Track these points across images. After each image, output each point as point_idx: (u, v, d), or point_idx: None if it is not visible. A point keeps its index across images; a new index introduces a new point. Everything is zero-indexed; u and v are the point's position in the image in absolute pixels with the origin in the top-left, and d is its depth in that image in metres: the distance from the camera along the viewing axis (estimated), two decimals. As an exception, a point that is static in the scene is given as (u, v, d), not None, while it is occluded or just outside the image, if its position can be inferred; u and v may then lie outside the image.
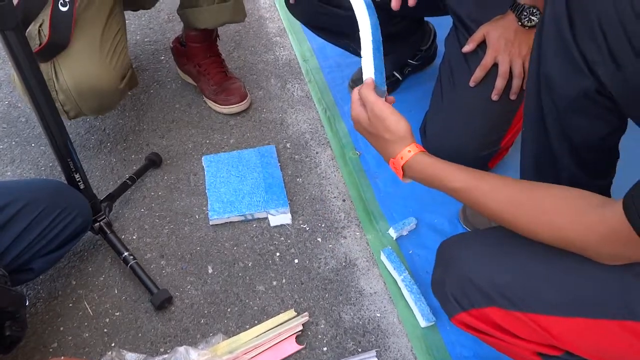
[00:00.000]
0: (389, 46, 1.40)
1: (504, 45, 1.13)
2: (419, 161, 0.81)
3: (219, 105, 1.56)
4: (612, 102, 0.82)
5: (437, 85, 1.28)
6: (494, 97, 1.16)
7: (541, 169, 0.99)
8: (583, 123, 0.87)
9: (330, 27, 1.30)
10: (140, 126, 1.56)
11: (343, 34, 1.32)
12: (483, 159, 1.25)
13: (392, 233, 1.23)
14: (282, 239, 1.26)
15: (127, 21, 1.92)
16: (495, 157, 1.25)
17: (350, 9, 1.20)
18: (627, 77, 0.77)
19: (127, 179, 1.35)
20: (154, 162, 1.43)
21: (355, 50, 1.46)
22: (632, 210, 0.59)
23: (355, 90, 0.90)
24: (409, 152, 0.81)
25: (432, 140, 1.26)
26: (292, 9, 1.27)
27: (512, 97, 1.16)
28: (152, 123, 1.57)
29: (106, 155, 1.49)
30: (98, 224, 1.20)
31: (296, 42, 1.80)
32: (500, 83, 1.15)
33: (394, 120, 0.82)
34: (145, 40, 1.88)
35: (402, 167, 0.82)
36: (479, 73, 1.18)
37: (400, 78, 1.57)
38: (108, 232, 1.20)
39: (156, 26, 1.93)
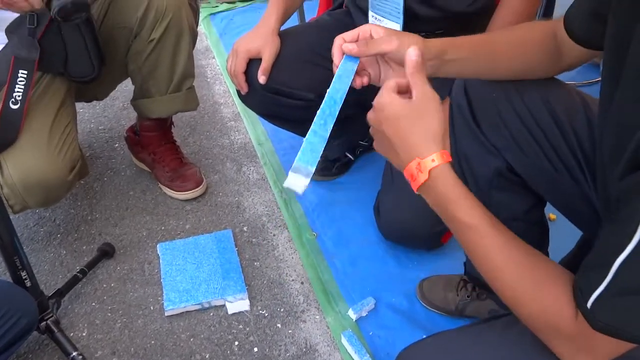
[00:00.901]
0: (340, 130, 1.48)
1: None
2: (444, 174, 0.65)
3: (174, 192, 1.55)
4: (521, 178, 0.89)
5: (387, 164, 1.32)
6: None
7: None
8: (504, 199, 0.92)
9: (281, 115, 1.34)
10: (92, 215, 1.53)
11: (294, 121, 1.36)
12: (435, 236, 1.28)
13: (352, 314, 1.22)
14: (241, 326, 1.22)
15: (81, 110, 1.95)
16: (447, 233, 1.29)
17: (300, 98, 1.27)
18: (531, 160, 0.84)
19: (77, 272, 1.30)
20: (106, 252, 1.39)
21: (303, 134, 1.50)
22: (581, 301, 0.56)
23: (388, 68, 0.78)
24: (433, 161, 0.65)
25: (385, 218, 1.29)
26: (245, 99, 1.30)
27: None
28: (105, 211, 1.54)
29: (56, 247, 1.44)
30: (44, 322, 1.14)
31: (251, 126, 1.83)
32: None
33: (438, 115, 0.66)
34: (100, 128, 1.88)
35: (429, 171, 0.65)
36: None
37: (353, 158, 1.61)
38: (55, 330, 1.14)
39: (111, 114, 1.94)
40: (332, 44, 1.28)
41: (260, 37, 1.21)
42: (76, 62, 1.21)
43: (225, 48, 2.31)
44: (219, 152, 1.75)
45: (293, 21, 1.32)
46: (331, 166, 1.59)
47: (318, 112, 0.71)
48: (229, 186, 1.61)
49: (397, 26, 1.14)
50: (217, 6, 2.65)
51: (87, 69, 1.23)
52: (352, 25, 1.33)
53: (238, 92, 1.30)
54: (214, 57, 2.30)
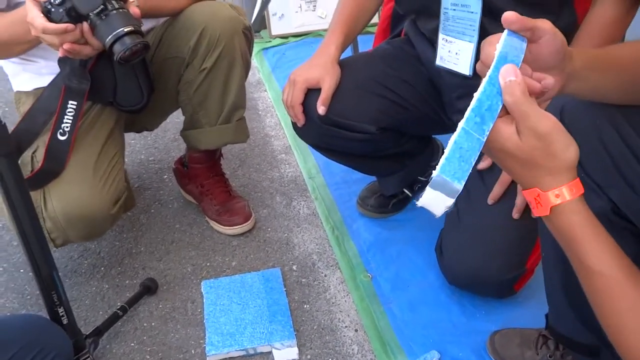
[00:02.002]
0: (397, 164, 1.39)
1: None
2: (571, 211, 0.57)
3: (222, 226, 1.49)
4: (631, 223, 0.76)
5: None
6: (515, 215, 1.10)
7: (570, 295, 0.89)
8: None
9: (338, 149, 1.27)
10: (137, 248, 1.47)
11: (351, 155, 1.29)
12: (507, 282, 1.15)
13: (413, 369, 1.08)
14: (288, 377, 1.11)
15: (132, 140, 1.94)
16: (521, 280, 1.15)
17: (360, 130, 1.19)
18: None
19: (118, 309, 1.23)
20: (149, 288, 1.31)
21: (362, 168, 1.41)
22: None
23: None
24: (563, 194, 0.56)
25: (449, 260, 1.17)
26: (301, 132, 1.24)
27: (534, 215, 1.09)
28: (150, 245, 1.48)
29: (98, 281, 1.37)
30: (80, 364, 1.06)
31: (302, 158, 1.77)
32: (520, 200, 1.09)
33: (562, 144, 0.56)
34: (150, 159, 1.85)
35: (550, 208, 0.58)
36: (497, 190, 1.12)
37: (410, 195, 1.50)
38: (91, 373, 1.05)
39: (161, 145, 1.92)
40: (393, 73, 1.25)
41: (319, 67, 1.15)
42: (125, 91, 1.17)
43: (278, 81, 2.28)
44: (268, 185, 1.68)
45: (347, 54, 1.25)
46: (387, 203, 1.49)
47: (472, 104, 0.55)
48: (278, 221, 1.53)
49: (471, 46, 1.04)
50: (270, 41, 2.65)
51: (136, 98, 1.18)
52: (413, 54, 1.30)
53: (294, 124, 1.24)
54: (265, 90, 2.27)
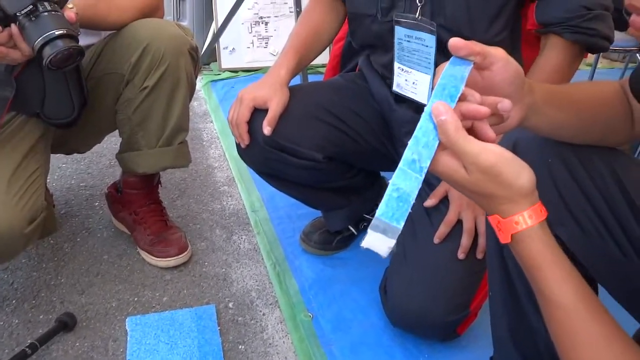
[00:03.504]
0: (344, 199, 1.35)
1: (467, 202, 1.08)
2: (532, 240, 0.55)
3: (154, 258, 1.38)
4: (578, 264, 0.74)
5: (398, 239, 1.18)
6: (460, 255, 1.08)
7: (517, 338, 0.86)
8: None
9: (283, 176, 1.21)
10: (57, 280, 1.32)
11: (297, 184, 1.24)
12: (451, 324, 1.11)
13: (353, 418, 0.99)
14: None
15: (63, 164, 1.81)
16: (464, 322, 1.11)
17: (306, 157, 1.15)
18: (593, 241, 0.71)
19: (27, 346, 1.08)
20: (65, 324, 1.17)
21: (307, 200, 1.35)
22: None
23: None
24: (523, 221, 0.55)
25: (394, 300, 1.13)
26: (244, 154, 1.19)
27: (479, 255, 1.10)
28: (72, 276, 1.34)
29: (7, 315, 1.22)
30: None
31: (245, 191, 1.71)
32: (466, 241, 1.08)
33: (512, 173, 0.54)
34: (81, 185, 1.72)
35: (511, 235, 0.56)
36: (443, 229, 1.10)
37: (356, 232, 1.45)
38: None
39: (95, 171, 1.79)
40: (344, 104, 1.21)
41: (268, 86, 1.12)
42: (54, 103, 1.07)
43: (225, 113, 2.25)
44: (208, 217, 1.60)
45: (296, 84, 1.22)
46: (332, 239, 1.43)
47: (411, 141, 0.54)
48: (217, 255, 1.44)
49: (427, 78, 1.03)
50: (219, 74, 2.63)
51: (66, 111, 1.08)
52: (366, 89, 1.28)
53: (237, 145, 1.19)
54: (211, 121, 2.23)
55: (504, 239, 0.55)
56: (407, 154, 0.54)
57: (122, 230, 1.49)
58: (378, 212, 0.53)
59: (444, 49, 1.05)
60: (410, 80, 1.07)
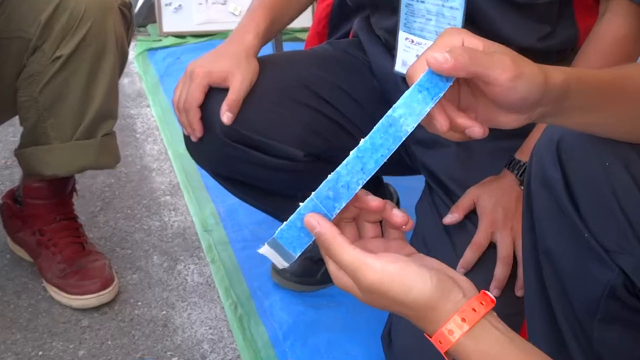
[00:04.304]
0: None
1: (503, 218, 1.10)
2: (466, 352, 0.62)
3: (67, 295, 1.41)
4: None
5: None
6: (494, 292, 1.10)
7: None
8: (616, 338, 0.82)
9: (250, 180, 1.24)
10: None
11: (269, 191, 1.27)
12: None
13: None
14: None
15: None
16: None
17: (282, 155, 1.17)
18: None
19: None
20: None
21: (282, 215, 1.38)
22: None
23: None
24: (450, 333, 0.61)
25: (403, 352, 1.15)
26: (195, 150, 1.21)
27: (519, 293, 1.12)
28: (-51, 321, 1.36)
29: None
30: None
31: (195, 203, 1.74)
32: (501, 272, 1.11)
33: (398, 291, 0.62)
34: (-37, 193, 1.73)
35: (444, 353, 0.63)
36: (470, 255, 1.13)
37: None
38: None
39: (-17, 174, 1.82)
40: (333, 82, 1.24)
41: (229, 58, 1.14)
42: None
43: (167, 94, 2.29)
44: (142, 239, 1.63)
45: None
46: (315, 270, 1.47)
47: (331, 175, 0.65)
48: (155, 292, 1.48)
49: None
50: (159, 40, 2.68)
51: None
52: (364, 61, 1.30)
53: (186, 139, 1.21)
54: (148, 106, 2.27)
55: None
56: (323, 188, 0.64)
57: (22, 257, 1.51)
58: (278, 231, 0.65)
59: (474, 15, 1.08)
60: None
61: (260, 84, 1.16)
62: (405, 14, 1.11)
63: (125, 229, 1.65)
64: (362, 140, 0.64)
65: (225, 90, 1.12)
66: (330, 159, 1.24)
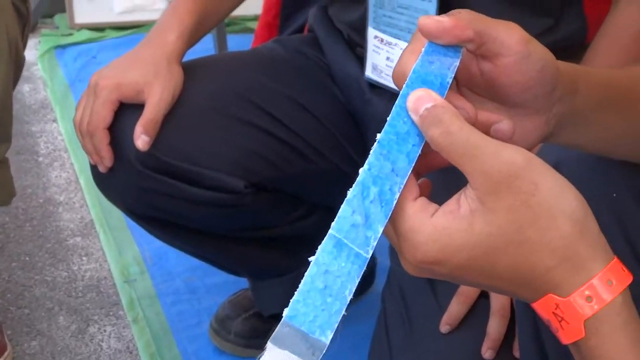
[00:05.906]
0: (287, 257, 1.38)
1: None
2: (615, 325, 0.56)
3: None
4: None
5: (381, 327, 1.25)
6: (486, 354, 1.12)
7: None
8: None
9: (176, 219, 1.25)
10: None
11: (202, 233, 1.28)
12: None
13: None
14: None
15: None
16: None
17: (215, 188, 1.19)
18: None
19: None
20: None
21: (223, 262, 1.40)
22: None
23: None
24: (595, 293, 0.54)
25: None
26: (105, 183, 1.23)
27: (517, 353, 1.14)
28: None
29: None
30: None
31: (113, 246, 1.76)
32: (495, 328, 1.13)
33: (554, 191, 0.55)
34: None
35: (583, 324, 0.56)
36: (456, 308, 1.15)
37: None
38: None
39: None
40: (283, 92, 1.24)
41: (143, 64, 1.16)
42: None
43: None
44: (45, 294, 1.64)
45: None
46: (265, 329, 1.49)
47: (352, 189, 0.56)
48: None
49: None
50: (70, 33, 2.66)
51: None
52: (322, 64, 1.33)
53: (93, 169, 1.22)
54: (55, 121, 2.28)
55: (571, 334, 0.56)
56: (345, 213, 0.55)
57: None
58: (288, 311, 0.52)
59: (452, 6, 1.10)
60: (394, 59, 1.13)
61: (187, 97, 1.17)
62: (373, 6, 1.13)
63: (23, 282, 1.65)
64: (381, 132, 0.57)
65: (140, 107, 1.13)
66: (281, 190, 1.26)
